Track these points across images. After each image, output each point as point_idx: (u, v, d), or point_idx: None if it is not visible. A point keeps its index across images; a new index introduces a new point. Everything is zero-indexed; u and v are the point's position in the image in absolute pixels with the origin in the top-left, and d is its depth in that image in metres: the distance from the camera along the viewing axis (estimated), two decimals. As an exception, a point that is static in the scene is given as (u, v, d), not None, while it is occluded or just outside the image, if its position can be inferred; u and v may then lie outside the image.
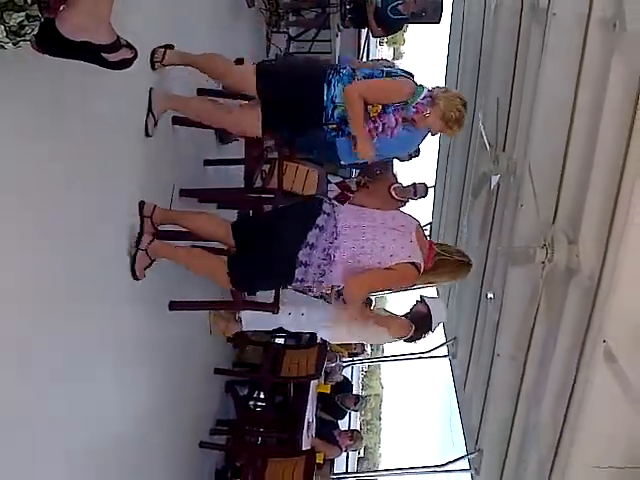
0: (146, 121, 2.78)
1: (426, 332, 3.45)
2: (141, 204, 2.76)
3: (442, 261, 2.74)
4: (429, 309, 3.47)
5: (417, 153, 5.64)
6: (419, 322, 3.35)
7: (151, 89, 2.82)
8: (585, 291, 3.03)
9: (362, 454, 20.10)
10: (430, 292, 5.58)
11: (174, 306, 3.26)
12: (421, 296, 3.60)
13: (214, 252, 3.03)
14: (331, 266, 2.60)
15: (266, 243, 2.70)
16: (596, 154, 2.93)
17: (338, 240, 2.61)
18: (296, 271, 2.61)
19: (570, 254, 3.10)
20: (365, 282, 2.64)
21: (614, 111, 2.81)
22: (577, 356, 3.04)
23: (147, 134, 2.80)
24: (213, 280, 2.96)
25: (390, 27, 6.71)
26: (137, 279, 2.73)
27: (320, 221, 2.66)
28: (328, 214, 2.70)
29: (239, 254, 2.83)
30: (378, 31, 6.70)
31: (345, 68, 2.89)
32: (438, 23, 7.77)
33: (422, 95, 2.81)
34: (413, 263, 2.59)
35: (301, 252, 2.59)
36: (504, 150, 4.47)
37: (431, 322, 3.43)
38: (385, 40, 25.56)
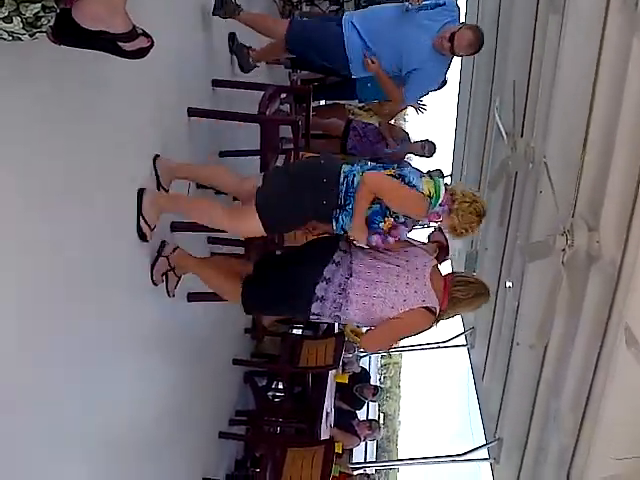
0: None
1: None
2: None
3: (458, 300, 2.67)
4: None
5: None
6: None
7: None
8: (606, 277, 2.99)
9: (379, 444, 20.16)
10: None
11: (192, 298, 3.27)
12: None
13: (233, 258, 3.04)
14: (347, 302, 2.59)
15: (282, 278, 2.74)
16: (617, 138, 2.88)
17: (353, 277, 2.60)
18: (312, 305, 2.61)
19: (591, 240, 3.06)
20: (379, 339, 2.73)
21: (635, 94, 2.76)
22: (598, 343, 3.01)
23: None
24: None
25: None
26: (155, 284, 2.74)
27: (337, 257, 2.67)
28: (345, 251, 2.71)
29: (254, 285, 2.82)
30: None
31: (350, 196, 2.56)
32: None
33: (436, 207, 2.58)
34: (427, 307, 2.55)
35: (318, 286, 2.59)
36: (522, 136, 4.42)
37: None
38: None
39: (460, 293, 2.65)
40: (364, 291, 2.58)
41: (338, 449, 5.43)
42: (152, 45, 1.64)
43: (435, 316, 2.59)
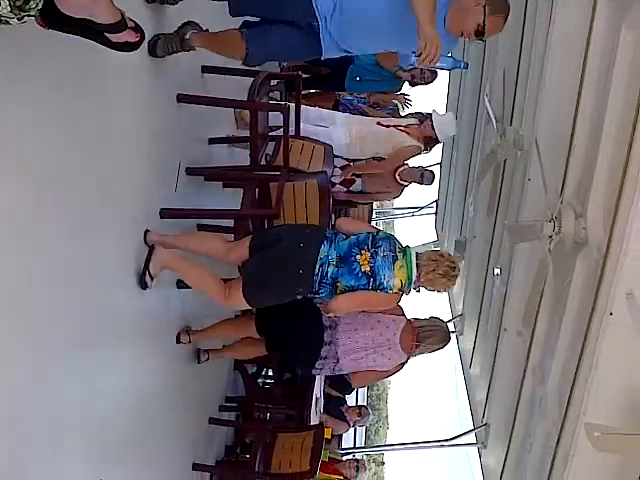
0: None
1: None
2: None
3: (425, 347, 3.45)
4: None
5: None
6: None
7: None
8: (592, 264, 3.02)
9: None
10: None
11: (182, 284, 3.28)
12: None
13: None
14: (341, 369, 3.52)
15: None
16: (604, 127, 2.90)
17: (340, 361, 3.43)
18: (316, 363, 3.46)
19: (577, 227, 3.09)
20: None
21: (623, 82, 2.78)
22: (584, 330, 3.05)
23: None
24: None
25: None
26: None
27: (323, 352, 3.42)
28: (329, 343, 3.41)
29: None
30: None
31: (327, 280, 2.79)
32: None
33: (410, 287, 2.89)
34: (401, 363, 3.49)
35: (317, 363, 3.46)
36: (511, 124, 4.44)
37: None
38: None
39: (426, 342, 3.44)
40: (353, 362, 3.45)
41: (327, 435, 5.47)
42: (142, 40, 1.63)
43: (407, 361, 3.52)
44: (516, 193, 4.31)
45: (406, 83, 5.90)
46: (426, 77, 5.73)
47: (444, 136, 4.94)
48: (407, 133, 4.80)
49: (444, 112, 4.47)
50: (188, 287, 3.27)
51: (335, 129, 4.63)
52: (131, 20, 1.62)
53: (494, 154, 4.47)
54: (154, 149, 2.89)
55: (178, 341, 3.34)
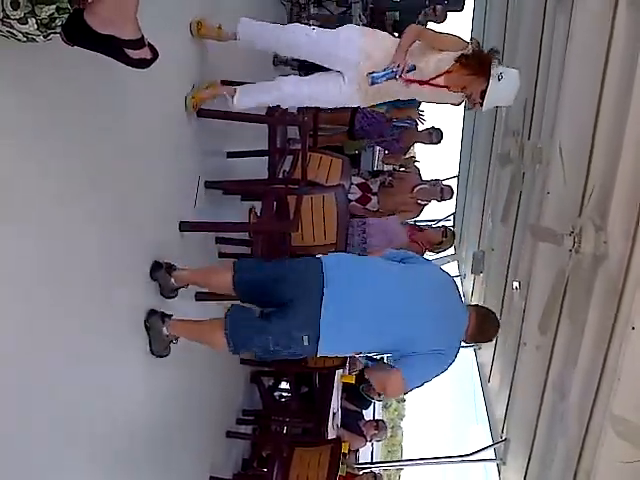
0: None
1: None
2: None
3: None
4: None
5: None
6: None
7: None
8: (613, 278, 2.99)
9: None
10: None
11: (200, 297, 3.29)
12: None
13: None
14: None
15: None
16: (624, 140, 2.88)
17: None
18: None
19: (598, 241, 3.06)
20: None
21: (643, 95, 2.76)
22: (605, 344, 3.01)
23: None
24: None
25: None
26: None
27: None
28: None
29: None
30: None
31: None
32: (461, 10, 7.69)
33: None
34: None
35: None
36: (529, 138, 4.42)
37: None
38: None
39: None
40: None
41: (345, 449, 5.44)
42: (156, 57, 1.66)
43: None
44: (535, 207, 4.28)
45: None
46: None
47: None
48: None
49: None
50: (205, 300, 3.30)
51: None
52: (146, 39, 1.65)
53: (506, 156, 4.49)
54: (173, 163, 2.92)
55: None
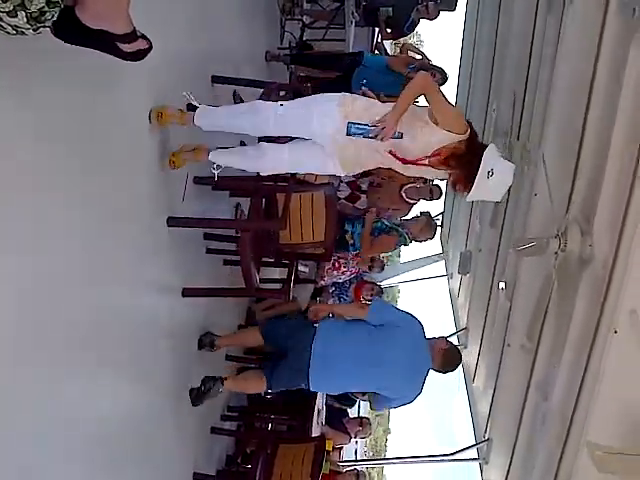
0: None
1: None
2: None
3: None
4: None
5: None
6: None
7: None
8: (598, 280, 3.02)
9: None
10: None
11: (187, 292, 3.29)
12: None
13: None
14: None
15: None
16: (611, 144, 2.91)
17: None
18: None
19: (583, 244, 3.09)
20: None
21: (630, 100, 2.78)
22: (588, 346, 3.04)
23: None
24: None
25: (401, 34, 6.71)
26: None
27: None
28: None
29: None
30: (387, 35, 6.68)
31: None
32: (453, 10, 7.71)
33: None
34: None
35: None
36: (518, 139, 4.44)
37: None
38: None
39: None
40: None
41: (329, 446, 5.45)
42: (150, 48, 1.65)
43: None
44: (522, 208, 4.31)
45: None
46: (436, 80, 5.70)
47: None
48: None
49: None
50: (193, 296, 3.30)
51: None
52: (137, 29, 1.64)
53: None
54: (161, 158, 2.91)
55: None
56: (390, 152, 2.72)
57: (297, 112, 2.80)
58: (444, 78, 5.51)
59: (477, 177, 2.59)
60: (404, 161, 2.73)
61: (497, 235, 5.00)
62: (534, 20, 4.22)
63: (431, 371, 3.60)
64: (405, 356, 3.49)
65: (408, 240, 5.22)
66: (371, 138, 2.65)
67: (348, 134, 2.68)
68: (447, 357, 3.63)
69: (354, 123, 2.66)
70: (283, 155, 2.92)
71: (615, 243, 2.79)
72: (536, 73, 4.15)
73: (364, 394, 6.78)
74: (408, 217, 5.59)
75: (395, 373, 3.50)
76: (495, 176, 2.62)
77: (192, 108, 2.87)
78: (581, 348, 3.18)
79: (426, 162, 2.72)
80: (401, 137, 2.67)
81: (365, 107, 2.73)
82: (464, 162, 2.65)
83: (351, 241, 5.19)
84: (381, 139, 2.63)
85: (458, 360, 3.78)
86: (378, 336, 3.51)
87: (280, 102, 2.83)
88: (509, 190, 4.59)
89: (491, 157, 2.63)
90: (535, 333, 3.76)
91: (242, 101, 3.99)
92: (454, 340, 7.13)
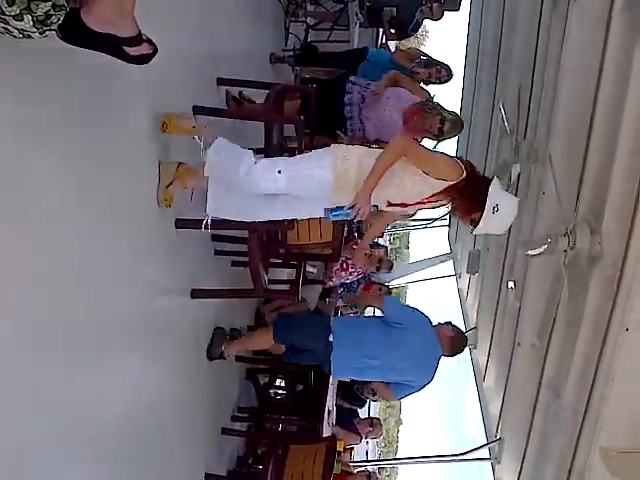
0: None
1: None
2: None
3: None
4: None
5: None
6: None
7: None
8: (608, 279, 3.00)
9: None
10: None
11: (196, 294, 3.30)
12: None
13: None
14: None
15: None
16: (619, 141, 2.89)
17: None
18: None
19: (593, 242, 3.07)
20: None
21: (638, 96, 2.77)
22: (600, 344, 3.02)
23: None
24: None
25: (404, 35, 6.70)
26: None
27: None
28: None
29: None
30: (392, 36, 6.67)
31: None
32: (457, 10, 7.69)
33: None
34: None
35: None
36: (525, 137, 4.43)
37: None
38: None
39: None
40: None
41: (340, 447, 5.44)
42: (155, 52, 1.66)
43: None
44: (530, 206, 4.29)
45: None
46: (442, 76, 5.64)
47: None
48: None
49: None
50: (201, 297, 3.30)
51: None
52: (143, 33, 1.65)
53: (506, 166, 4.46)
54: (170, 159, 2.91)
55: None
56: (388, 204, 2.76)
57: (298, 176, 2.74)
58: (449, 75, 5.47)
59: (484, 213, 2.58)
60: (404, 205, 2.77)
61: (505, 234, 4.98)
62: (539, 18, 4.21)
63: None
64: (417, 354, 3.72)
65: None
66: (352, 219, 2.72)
67: (328, 220, 2.80)
68: (454, 343, 3.86)
69: (332, 210, 2.70)
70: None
71: (625, 240, 2.78)
72: (542, 71, 4.14)
73: (374, 394, 6.78)
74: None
75: (409, 369, 3.74)
76: (500, 211, 2.60)
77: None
78: (592, 346, 3.17)
79: (425, 202, 2.74)
80: (375, 210, 2.82)
81: (358, 165, 2.66)
82: (465, 194, 2.63)
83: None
84: (360, 218, 2.67)
85: (465, 343, 4.02)
86: (389, 340, 3.71)
87: (277, 169, 2.74)
88: (517, 190, 4.63)
89: (496, 193, 2.61)
90: (545, 332, 3.75)
91: (250, 101, 3.98)
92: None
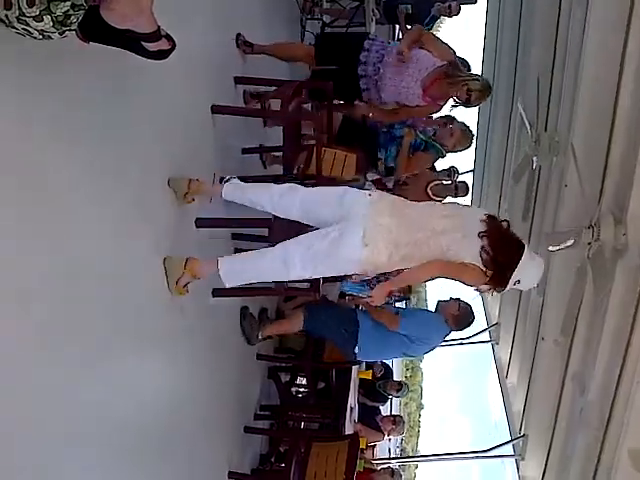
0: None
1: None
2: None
3: None
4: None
5: None
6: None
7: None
8: (633, 270, 2.95)
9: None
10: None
11: (217, 293, 3.30)
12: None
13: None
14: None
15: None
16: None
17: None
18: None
19: (617, 233, 3.02)
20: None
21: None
22: (626, 338, 2.98)
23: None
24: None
25: None
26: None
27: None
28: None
29: None
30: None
31: None
32: (475, 3, 7.64)
33: None
34: None
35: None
36: (546, 130, 4.37)
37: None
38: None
39: None
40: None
41: (362, 444, 5.43)
42: (174, 48, 1.67)
43: None
44: (552, 199, 4.24)
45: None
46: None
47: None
48: None
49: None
50: (223, 296, 3.31)
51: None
52: (162, 29, 1.66)
53: (527, 159, 4.40)
54: (189, 159, 2.93)
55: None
56: None
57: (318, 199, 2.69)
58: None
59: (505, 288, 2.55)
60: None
61: (527, 227, 4.93)
62: (559, 5, 4.15)
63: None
64: (431, 342, 4.23)
65: (444, 152, 4.65)
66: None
67: (342, 288, 3.15)
68: (459, 319, 4.16)
69: (348, 283, 2.83)
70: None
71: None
72: (562, 60, 4.08)
73: (398, 390, 6.77)
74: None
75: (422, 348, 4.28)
76: (522, 283, 2.56)
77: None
78: (618, 339, 3.12)
79: None
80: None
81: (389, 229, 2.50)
82: (490, 280, 2.52)
83: (382, 167, 4.66)
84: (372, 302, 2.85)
85: (471, 319, 4.30)
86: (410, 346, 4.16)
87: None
88: (537, 183, 4.57)
89: (522, 267, 2.50)
90: (569, 326, 3.70)
91: (262, 101, 3.91)
92: (486, 336, 7.06)
